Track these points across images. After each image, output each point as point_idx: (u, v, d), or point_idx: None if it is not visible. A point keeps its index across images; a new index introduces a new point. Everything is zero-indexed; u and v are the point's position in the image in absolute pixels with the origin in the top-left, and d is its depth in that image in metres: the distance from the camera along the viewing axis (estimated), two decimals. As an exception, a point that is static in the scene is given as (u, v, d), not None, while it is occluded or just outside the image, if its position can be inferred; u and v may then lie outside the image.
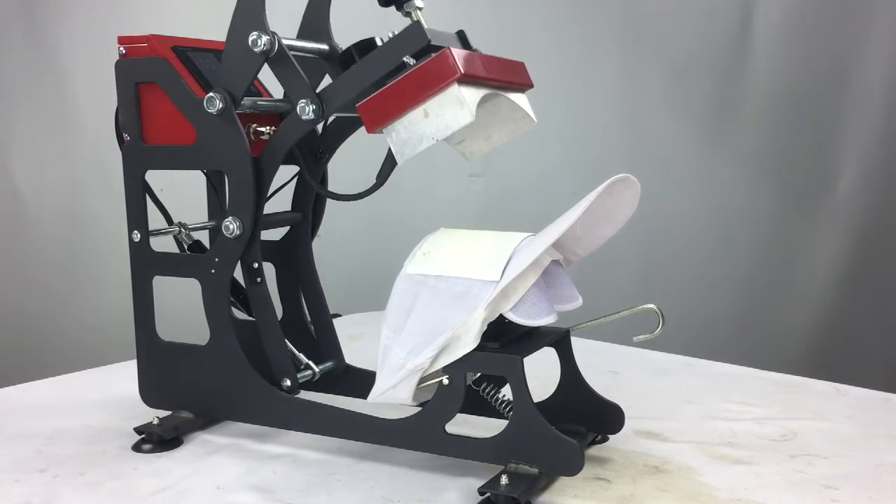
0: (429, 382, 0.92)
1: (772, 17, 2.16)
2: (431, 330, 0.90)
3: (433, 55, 0.87)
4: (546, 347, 0.97)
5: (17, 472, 0.98)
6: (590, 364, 1.05)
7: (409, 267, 0.93)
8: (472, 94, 0.88)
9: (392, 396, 0.93)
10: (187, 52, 1.03)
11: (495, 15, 2.11)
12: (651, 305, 0.96)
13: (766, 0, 2.15)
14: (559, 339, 1.00)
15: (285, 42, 0.95)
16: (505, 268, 0.88)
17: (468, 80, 0.87)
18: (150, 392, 1.10)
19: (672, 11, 2.17)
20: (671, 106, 2.16)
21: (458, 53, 0.87)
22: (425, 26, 0.89)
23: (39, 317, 1.90)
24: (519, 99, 0.98)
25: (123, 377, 1.24)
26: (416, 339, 0.91)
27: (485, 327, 0.89)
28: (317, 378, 1.07)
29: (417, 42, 0.89)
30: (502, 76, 0.94)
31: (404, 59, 0.89)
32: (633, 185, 0.92)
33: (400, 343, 0.92)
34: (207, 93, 0.97)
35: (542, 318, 0.90)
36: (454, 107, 0.87)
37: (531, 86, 0.99)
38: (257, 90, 1.11)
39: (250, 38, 0.93)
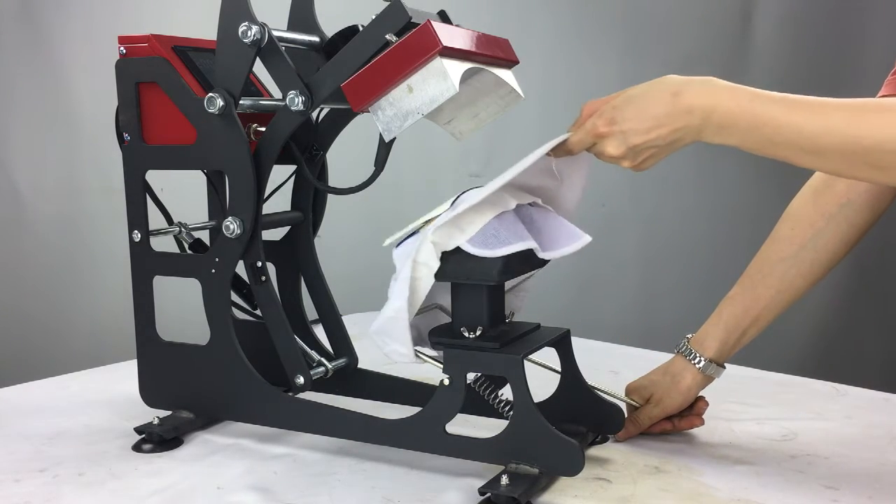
0: (427, 379, 0.92)
1: (772, 17, 2.17)
2: (396, 272, 0.92)
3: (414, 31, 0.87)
4: (546, 347, 0.97)
5: (17, 472, 0.98)
6: (590, 364, 1.05)
7: (386, 241, 0.96)
8: (456, 67, 0.88)
9: (397, 354, 0.94)
10: (188, 52, 1.03)
11: (496, 16, 2.11)
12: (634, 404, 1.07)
13: (766, 0, 2.15)
14: (559, 339, 1.00)
15: (276, 34, 0.95)
16: (452, 203, 0.90)
17: (451, 53, 0.88)
18: (151, 392, 1.10)
19: (672, 11, 2.17)
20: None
21: (440, 27, 0.87)
22: (406, 4, 0.89)
23: (40, 316, 1.90)
24: (505, 74, 0.97)
25: (123, 377, 1.24)
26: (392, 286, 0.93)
27: (439, 256, 0.90)
28: (330, 374, 1.07)
29: (399, 19, 0.89)
30: (486, 50, 0.94)
31: (387, 37, 0.89)
32: None
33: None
34: (208, 92, 0.97)
35: (503, 248, 0.88)
36: (438, 80, 0.87)
37: (517, 61, 0.99)
38: (258, 90, 1.11)
39: (240, 30, 0.93)
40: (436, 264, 0.90)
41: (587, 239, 0.92)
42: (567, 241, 0.93)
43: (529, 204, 0.95)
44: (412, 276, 0.90)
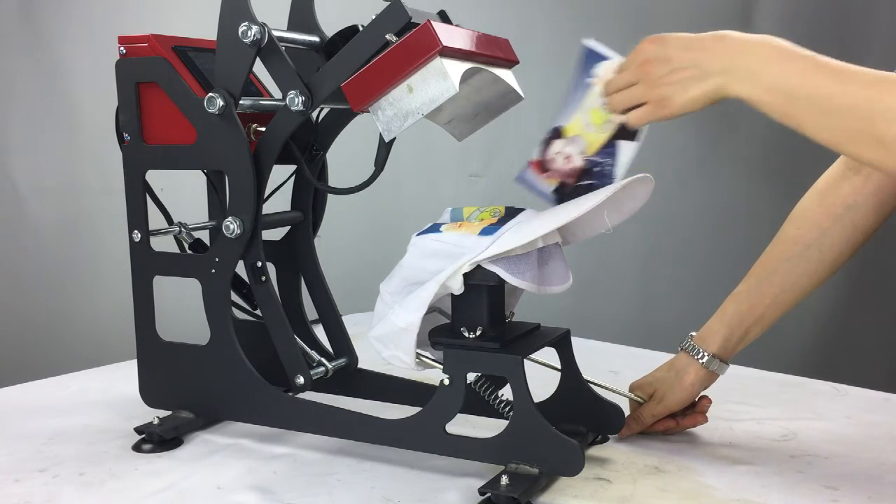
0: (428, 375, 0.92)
1: (772, 17, 2.16)
2: (412, 278, 0.92)
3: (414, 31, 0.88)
4: (546, 347, 0.97)
5: (17, 472, 0.98)
6: (590, 364, 1.05)
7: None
8: (456, 67, 0.88)
9: (398, 361, 0.94)
10: (188, 52, 1.03)
11: (496, 16, 2.11)
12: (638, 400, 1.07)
13: (766, 0, 2.15)
14: (559, 339, 1.00)
15: (276, 34, 0.95)
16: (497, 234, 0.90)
17: (451, 53, 0.88)
18: (151, 392, 1.10)
19: (672, 12, 2.17)
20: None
21: (440, 27, 0.87)
22: (406, 4, 0.89)
23: (39, 316, 1.90)
24: (505, 74, 0.98)
25: (123, 377, 1.24)
26: (399, 283, 0.94)
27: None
28: (330, 374, 1.07)
29: (399, 19, 0.89)
30: (486, 50, 0.94)
31: (387, 37, 0.89)
32: (648, 182, 0.93)
33: (389, 289, 0.94)
34: (208, 92, 0.97)
35: (525, 280, 0.90)
36: (437, 80, 0.87)
37: (517, 61, 0.99)
38: (258, 90, 1.11)
39: (240, 30, 0.93)
40: (460, 289, 0.91)
41: (570, 283, 0.95)
42: (559, 280, 0.95)
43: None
44: (435, 294, 0.90)
